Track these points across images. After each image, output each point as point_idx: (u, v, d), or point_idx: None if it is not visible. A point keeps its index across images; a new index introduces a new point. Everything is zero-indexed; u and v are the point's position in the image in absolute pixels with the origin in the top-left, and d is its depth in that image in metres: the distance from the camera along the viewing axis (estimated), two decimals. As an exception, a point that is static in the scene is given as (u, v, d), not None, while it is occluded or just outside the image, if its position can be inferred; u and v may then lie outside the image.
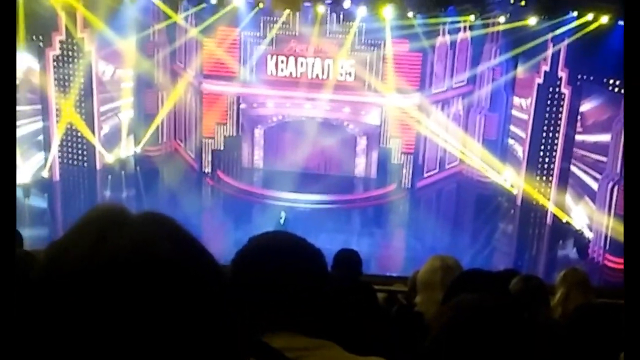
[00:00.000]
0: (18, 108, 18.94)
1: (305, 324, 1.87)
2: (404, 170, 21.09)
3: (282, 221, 17.61)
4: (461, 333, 1.78)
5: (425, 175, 21.55)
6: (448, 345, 1.78)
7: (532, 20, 18.96)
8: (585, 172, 18.60)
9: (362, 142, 21.49)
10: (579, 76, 18.87)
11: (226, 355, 1.05)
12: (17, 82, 18.87)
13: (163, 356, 0.97)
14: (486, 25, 20.36)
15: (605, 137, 17.72)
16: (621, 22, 16.63)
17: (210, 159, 21.54)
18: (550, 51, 19.10)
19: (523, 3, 19.24)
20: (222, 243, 16.46)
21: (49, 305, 0.98)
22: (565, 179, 19.30)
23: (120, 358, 0.96)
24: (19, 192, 19.20)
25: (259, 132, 21.74)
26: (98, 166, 20.61)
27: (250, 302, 1.82)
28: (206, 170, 21.62)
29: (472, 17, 20.13)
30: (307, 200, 19.98)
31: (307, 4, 20.03)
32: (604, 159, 17.74)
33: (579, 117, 19.00)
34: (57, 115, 19.93)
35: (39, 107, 19.71)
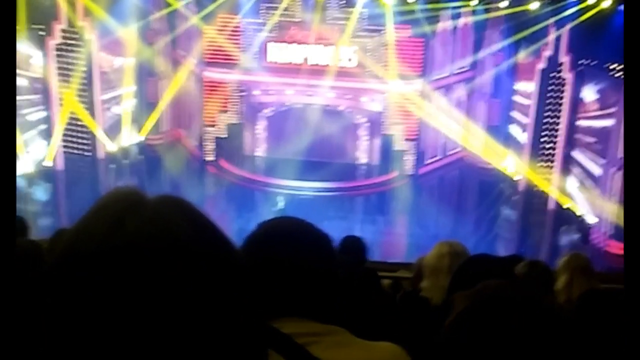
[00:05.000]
0: (20, 97, 18.94)
1: (314, 309, 1.86)
2: (406, 157, 21.05)
3: (280, 206, 17.58)
4: (480, 319, 1.78)
5: (428, 161, 21.52)
6: (467, 330, 1.77)
7: (533, 5, 18.88)
8: (588, 157, 18.57)
9: (364, 129, 21.45)
10: (581, 61, 18.79)
11: (246, 340, 1.05)
12: (19, 71, 18.87)
13: (182, 338, 0.97)
14: (488, 10, 20.25)
15: (608, 123, 17.67)
16: (622, 7, 16.56)
17: (212, 147, 21.52)
18: (552, 36, 19.02)
19: (525, -13, 19.17)
20: (225, 231, 16.44)
21: (67, 290, 0.98)
22: (568, 165, 19.27)
23: (139, 340, 0.95)
24: (23, 182, 19.22)
25: (261, 120, 21.69)
26: (101, 155, 20.60)
27: (259, 288, 1.81)
28: (208, 159, 21.59)
29: (473, 2, 20.05)
30: (309, 187, 19.97)
31: (308, -10, 19.97)
32: (606, 144, 17.71)
33: (581, 103, 18.94)
34: (59, 105, 19.90)
35: (40, 96, 19.70)
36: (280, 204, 17.64)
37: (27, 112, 19.32)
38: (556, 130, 19.42)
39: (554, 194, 19.50)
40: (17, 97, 18.62)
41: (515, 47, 20.28)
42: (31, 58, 19.27)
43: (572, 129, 19.10)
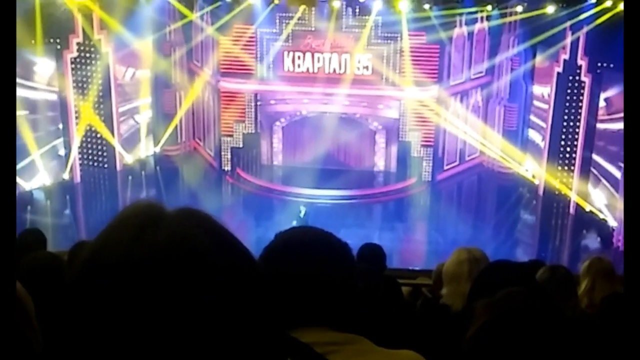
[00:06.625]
0: (37, 111, 19.08)
1: (334, 318, 1.85)
2: (424, 163, 21.01)
3: (302, 215, 17.59)
4: (500, 334, 1.77)
5: (446, 167, 21.47)
6: (487, 344, 1.76)
7: (550, 9, 18.80)
8: (608, 160, 18.42)
9: (381, 136, 21.44)
10: (599, 64, 18.66)
11: (265, 350, 1.05)
12: (35, 85, 19.02)
13: (202, 349, 0.98)
14: (503, 15, 20.21)
15: (627, 125, 17.49)
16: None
17: (229, 157, 21.60)
18: (569, 39, 18.92)
19: (540, -9, 19.10)
20: (244, 241, 16.35)
21: (89, 302, 0.99)
22: (587, 168, 19.12)
23: (158, 351, 0.97)
24: (41, 195, 19.34)
25: (277, 129, 21.75)
26: (118, 167, 20.72)
27: (279, 298, 1.80)
28: (226, 169, 21.66)
29: (489, 7, 20.01)
30: (327, 195, 19.95)
31: (322, -1, 20.02)
32: (626, 146, 17.52)
33: (600, 106, 18.81)
34: (76, 117, 20.03)
35: (57, 109, 19.82)
36: (302, 212, 17.65)
37: (45, 125, 19.43)
38: (575, 134, 19.31)
39: (574, 197, 19.37)
40: (34, 111, 18.80)
41: (532, 51, 20.23)
42: (47, 71, 19.39)
43: (590, 132, 18.96)
